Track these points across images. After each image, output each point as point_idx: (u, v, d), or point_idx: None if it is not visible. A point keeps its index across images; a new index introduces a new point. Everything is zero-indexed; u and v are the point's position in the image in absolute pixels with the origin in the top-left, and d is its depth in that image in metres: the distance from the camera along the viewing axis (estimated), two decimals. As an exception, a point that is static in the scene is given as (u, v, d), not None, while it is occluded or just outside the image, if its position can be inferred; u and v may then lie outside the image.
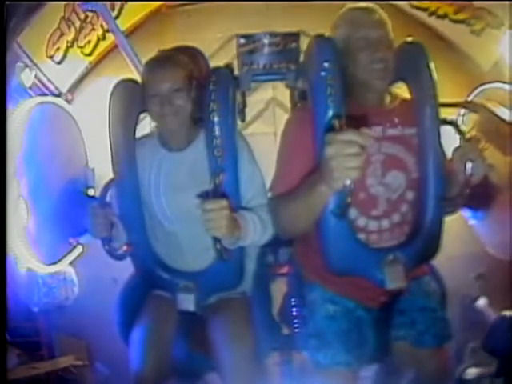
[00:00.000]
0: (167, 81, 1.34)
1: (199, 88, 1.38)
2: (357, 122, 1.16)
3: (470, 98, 2.49)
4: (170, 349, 1.43)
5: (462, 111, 2.48)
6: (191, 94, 1.37)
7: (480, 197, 1.39)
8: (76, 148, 2.21)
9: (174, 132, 1.40)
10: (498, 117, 2.22)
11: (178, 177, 1.40)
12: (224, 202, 1.12)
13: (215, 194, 1.14)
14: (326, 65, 1.20)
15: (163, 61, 1.39)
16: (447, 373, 1.36)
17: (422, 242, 1.31)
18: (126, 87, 1.40)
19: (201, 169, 1.36)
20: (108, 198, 1.41)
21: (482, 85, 2.45)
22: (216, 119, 1.33)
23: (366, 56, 1.24)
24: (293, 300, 1.55)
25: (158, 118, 1.36)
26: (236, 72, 2.28)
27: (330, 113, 1.19)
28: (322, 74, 1.19)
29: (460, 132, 1.27)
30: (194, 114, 1.40)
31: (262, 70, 2.19)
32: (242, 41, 2.16)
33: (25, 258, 1.91)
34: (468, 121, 2.44)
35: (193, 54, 1.50)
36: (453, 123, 1.32)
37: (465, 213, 2.26)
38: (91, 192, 2.11)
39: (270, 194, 1.35)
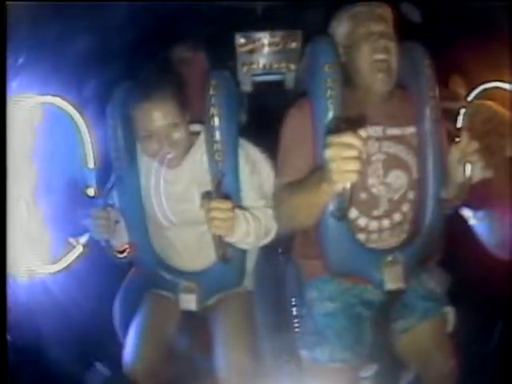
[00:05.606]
0: (160, 119, 1.24)
1: (192, 107, 1.33)
2: (357, 121, 1.17)
3: (470, 98, 2.48)
4: (167, 345, 1.43)
5: (462, 111, 2.47)
6: (186, 118, 1.32)
7: (480, 196, 1.39)
8: (76, 148, 2.21)
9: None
10: (498, 116, 2.21)
11: (178, 189, 1.38)
12: (230, 203, 1.13)
13: (217, 194, 1.15)
14: (326, 67, 1.20)
15: (150, 94, 1.25)
16: (451, 368, 1.33)
17: (421, 243, 1.31)
18: (127, 88, 1.38)
19: (200, 178, 1.35)
20: (110, 199, 1.41)
21: (482, 84, 2.44)
22: (217, 124, 1.31)
23: (369, 46, 1.25)
24: (293, 300, 1.55)
25: (157, 154, 1.29)
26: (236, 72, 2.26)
27: (330, 114, 1.19)
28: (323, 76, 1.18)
29: (459, 133, 1.27)
30: (192, 128, 1.37)
31: (261, 69, 2.15)
32: (242, 40, 2.11)
33: (25, 257, 1.91)
34: (468, 120, 2.43)
35: (178, 73, 1.44)
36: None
37: (465, 213, 2.25)
38: (91, 192, 2.11)
39: (274, 184, 1.34)
